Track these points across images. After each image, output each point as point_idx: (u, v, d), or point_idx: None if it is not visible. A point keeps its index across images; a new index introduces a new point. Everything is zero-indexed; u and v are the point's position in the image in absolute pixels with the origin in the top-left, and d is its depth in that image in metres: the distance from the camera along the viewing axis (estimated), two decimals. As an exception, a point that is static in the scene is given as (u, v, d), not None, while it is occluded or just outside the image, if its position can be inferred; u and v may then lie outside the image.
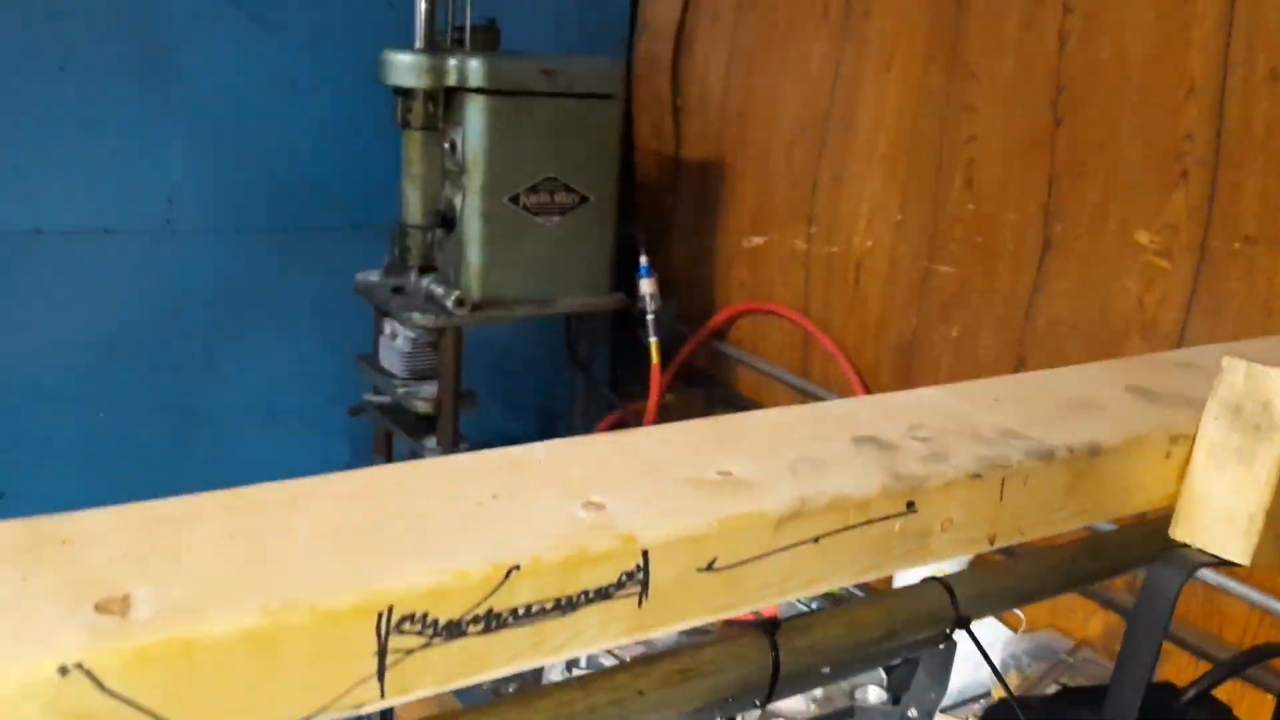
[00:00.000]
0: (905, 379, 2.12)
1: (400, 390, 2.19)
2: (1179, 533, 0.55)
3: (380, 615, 0.34)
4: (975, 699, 1.55)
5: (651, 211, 2.78)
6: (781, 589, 0.43)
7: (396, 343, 2.22)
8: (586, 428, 2.61)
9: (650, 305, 2.39)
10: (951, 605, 0.54)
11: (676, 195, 2.70)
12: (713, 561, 0.40)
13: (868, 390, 2.20)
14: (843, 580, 0.45)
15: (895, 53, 2.04)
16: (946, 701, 1.44)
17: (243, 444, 2.39)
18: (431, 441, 2.16)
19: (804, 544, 0.42)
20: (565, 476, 0.42)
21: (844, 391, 2.24)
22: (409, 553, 0.37)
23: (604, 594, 0.38)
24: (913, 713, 0.61)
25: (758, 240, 2.46)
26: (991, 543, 0.49)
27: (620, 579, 0.39)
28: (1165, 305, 1.58)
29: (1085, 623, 1.71)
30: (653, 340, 2.38)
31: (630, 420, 2.47)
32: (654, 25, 2.71)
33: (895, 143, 2.06)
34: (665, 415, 2.62)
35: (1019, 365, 1.86)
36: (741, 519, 0.40)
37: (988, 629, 1.71)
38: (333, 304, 2.41)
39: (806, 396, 2.37)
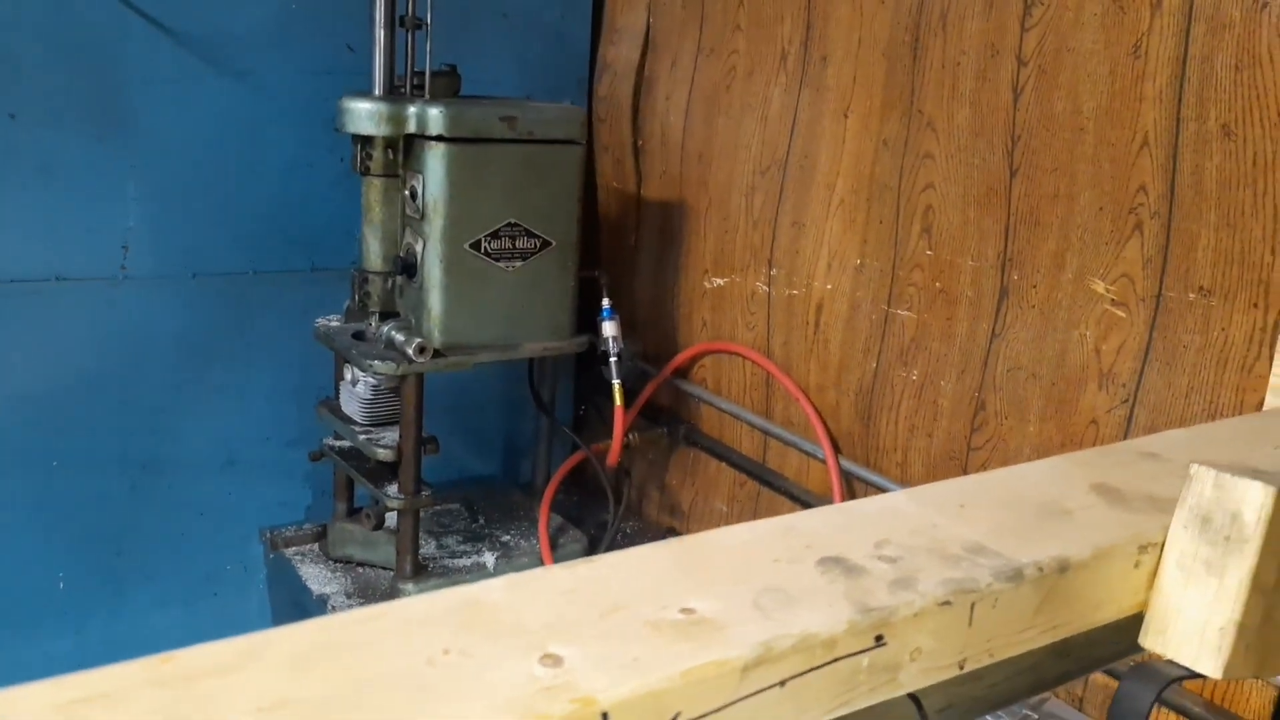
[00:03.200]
0: (866, 421, 2.12)
1: (361, 437, 2.16)
2: (1149, 642, 0.54)
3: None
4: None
5: (613, 250, 2.77)
6: (748, 734, 0.42)
7: (357, 389, 2.19)
8: (549, 468, 2.59)
9: (613, 347, 2.38)
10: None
11: (638, 235, 2.70)
12: (677, 716, 0.38)
13: (829, 431, 2.20)
14: (811, 720, 0.44)
15: (853, 100, 2.05)
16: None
17: (201, 492, 2.35)
18: (393, 489, 2.13)
19: (770, 689, 0.40)
20: (523, 622, 0.40)
21: (807, 432, 2.23)
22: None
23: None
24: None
25: (719, 281, 2.46)
26: (961, 667, 0.48)
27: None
28: (1123, 354, 1.59)
29: None
30: (616, 383, 2.37)
31: (594, 460, 2.45)
32: (614, 66, 2.71)
33: (854, 189, 2.07)
34: (629, 455, 2.61)
35: (979, 410, 1.87)
36: (705, 669, 0.39)
37: None
38: (293, 348, 2.38)
39: (769, 437, 2.37)
